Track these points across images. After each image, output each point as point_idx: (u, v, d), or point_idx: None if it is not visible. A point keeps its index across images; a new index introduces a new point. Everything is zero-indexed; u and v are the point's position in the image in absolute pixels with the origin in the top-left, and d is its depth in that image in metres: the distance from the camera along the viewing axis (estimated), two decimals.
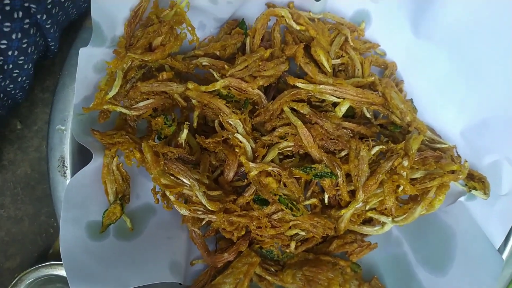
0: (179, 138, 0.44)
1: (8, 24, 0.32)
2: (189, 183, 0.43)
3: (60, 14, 0.37)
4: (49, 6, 0.35)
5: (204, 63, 0.49)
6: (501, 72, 0.47)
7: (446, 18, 0.47)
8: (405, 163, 0.46)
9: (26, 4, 0.32)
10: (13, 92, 0.41)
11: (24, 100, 0.45)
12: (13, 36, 0.34)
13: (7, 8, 0.31)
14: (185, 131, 0.44)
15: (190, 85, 0.46)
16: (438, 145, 0.50)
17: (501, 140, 0.49)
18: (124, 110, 0.44)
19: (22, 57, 0.37)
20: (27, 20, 0.34)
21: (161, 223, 0.50)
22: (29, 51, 0.37)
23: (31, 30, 0.35)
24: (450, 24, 0.47)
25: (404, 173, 0.46)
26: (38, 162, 0.55)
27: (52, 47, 0.40)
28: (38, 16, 0.34)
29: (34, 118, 0.55)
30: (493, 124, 0.49)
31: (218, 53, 0.50)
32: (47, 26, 0.36)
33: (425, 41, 0.50)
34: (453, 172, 0.46)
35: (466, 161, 0.48)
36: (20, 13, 0.33)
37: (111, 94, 0.42)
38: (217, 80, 0.47)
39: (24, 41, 0.35)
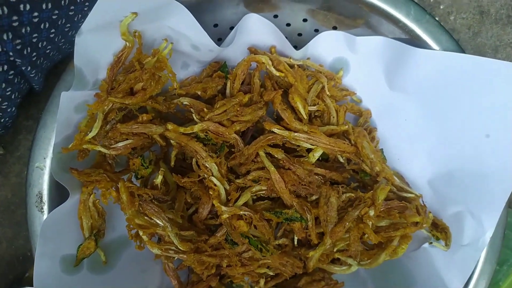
0: (155, 180, 0.46)
1: None
2: (162, 224, 0.45)
3: (45, 62, 0.39)
4: (34, 58, 0.36)
5: (185, 103, 0.51)
6: (468, 129, 0.49)
7: (418, 75, 0.49)
8: (371, 212, 0.48)
9: (12, 58, 0.34)
10: None
11: (6, 132, 0.47)
12: None
13: None
14: (160, 177, 0.45)
15: (170, 126, 0.48)
16: (405, 194, 0.52)
17: (465, 193, 0.51)
18: (102, 149, 0.45)
19: (6, 103, 0.38)
20: (11, 72, 0.35)
21: (135, 256, 0.51)
22: (13, 97, 0.38)
23: (15, 80, 0.37)
24: (421, 80, 0.50)
25: (370, 222, 0.48)
26: (19, 187, 0.56)
27: (37, 89, 0.41)
28: (23, 68, 0.36)
29: (17, 144, 0.56)
30: (458, 177, 0.51)
31: (199, 93, 0.52)
32: (32, 75, 0.37)
33: (398, 93, 0.53)
34: (416, 223, 0.49)
35: (430, 212, 0.50)
36: (5, 67, 0.34)
37: (91, 135, 0.44)
38: (196, 122, 0.49)
39: (8, 89, 0.37)
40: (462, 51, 0.48)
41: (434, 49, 0.48)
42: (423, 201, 0.52)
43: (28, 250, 0.57)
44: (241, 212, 0.47)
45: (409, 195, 0.52)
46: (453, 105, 0.49)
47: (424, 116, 0.52)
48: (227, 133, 0.48)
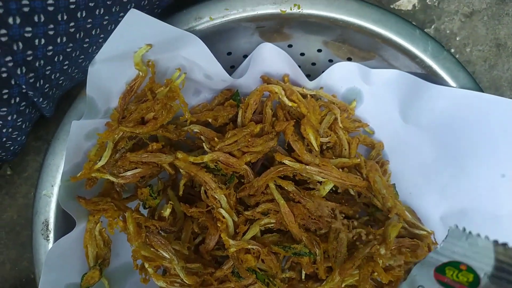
0: (163, 212, 0.45)
1: (4, 109, 0.33)
2: (169, 257, 0.44)
3: (57, 92, 0.38)
4: (46, 90, 0.36)
5: (195, 130, 0.50)
6: (483, 168, 0.48)
7: (433, 111, 0.49)
8: (382, 251, 0.47)
9: (24, 91, 0.33)
10: (4, 157, 0.42)
11: (15, 157, 0.46)
12: (9, 118, 0.35)
13: (5, 96, 0.32)
14: (168, 210, 0.44)
15: (180, 155, 0.47)
16: (417, 231, 0.51)
17: (477, 232, 0.50)
18: (111, 178, 0.45)
19: (16, 133, 0.38)
20: (23, 103, 0.35)
21: (139, 284, 0.50)
22: (24, 126, 0.38)
23: (26, 110, 0.36)
24: (436, 116, 0.49)
25: (381, 261, 0.47)
26: (25, 209, 0.56)
27: (48, 116, 0.41)
28: (35, 99, 0.35)
29: (24, 165, 0.56)
30: (471, 215, 0.50)
31: (210, 120, 0.52)
32: (43, 106, 0.37)
33: (412, 127, 0.52)
34: None
35: None
36: (18, 99, 0.34)
37: (100, 164, 0.43)
38: (205, 151, 0.48)
39: (19, 120, 0.36)
40: (480, 89, 0.47)
41: (450, 86, 0.47)
42: (435, 239, 0.51)
43: (31, 272, 0.56)
44: (249, 246, 0.46)
45: (421, 232, 0.51)
46: (468, 143, 0.49)
47: (438, 151, 0.51)
48: (237, 164, 0.47)
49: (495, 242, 0.31)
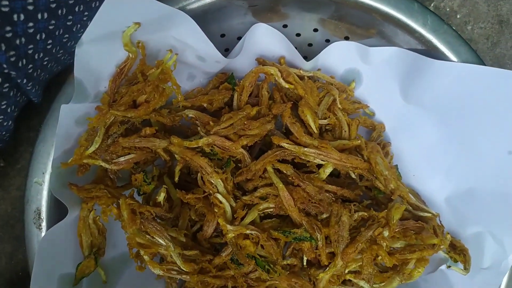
0: (157, 197, 0.44)
1: None
2: (165, 244, 0.43)
3: (43, 74, 0.37)
4: (30, 71, 0.34)
5: (190, 115, 0.49)
6: (490, 145, 0.47)
7: (435, 88, 0.47)
8: (386, 233, 0.45)
9: (6, 71, 0.32)
10: None
11: (5, 145, 0.45)
12: None
13: None
14: (163, 195, 0.43)
15: (174, 140, 0.46)
16: (421, 213, 0.49)
17: (485, 212, 0.48)
18: (104, 164, 0.44)
19: (2, 117, 0.37)
20: (6, 85, 0.34)
21: (136, 275, 0.49)
22: (9, 110, 0.37)
23: (10, 93, 0.35)
24: (439, 94, 0.47)
25: (384, 243, 0.45)
26: (19, 201, 0.55)
27: (35, 101, 0.40)
28: (19, 81, 0.34)
29: (17, 157, 0.54)
30: (479, 195, 0.49)
31: (205, 105, 0.50)
32: (28, 88, 0.36)
33: (414, 107, 0.50)
34: (433, 245, 0.46)
35: (448, 233, 0.48)
36: (0, 79, 0.32)
37: (91, 149, 0.42)
38: (201, 136, 0.47)
39: (3, 103, 0.35)
40: (482, 62, 0.45)
41: (452, 61, 0.46)
42: (440, 221, 0.50)
43: (27, 265, 0.55)
44: (248, 232, 0.45)
45: (426, 214, 0.49)
46: (473, 120, 0.47)
47: (442, 130, 0.49)
48: (233, 147, 0.46)
49: None
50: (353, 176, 0.51)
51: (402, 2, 0.45)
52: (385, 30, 0.47)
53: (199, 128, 0.48)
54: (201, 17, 0.44)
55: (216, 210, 0.45)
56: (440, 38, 0.45)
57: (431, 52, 0.46)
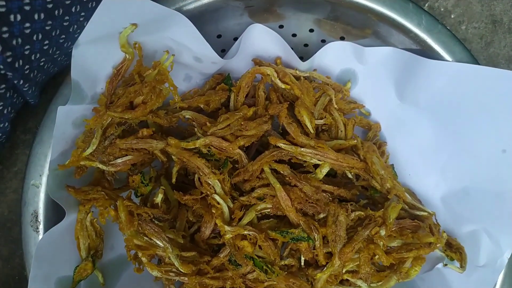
0: (155, 198, 0.44)
1: None
2: (163, 245, 0.43)
3: (39, 75, 0.37)
4: (27, 72, 0.34)
5: (187, 116, 0.49)
6: (484, 144, 0.47)
7: (430, 87, 0.47)
8: (382, 232, 0.45)
9: (2, 72, 0.32)
10: None
11: (1, 148, 0.45)
12: None
13: None
14: (160, 196, 0.43)
15: (171, 141, 0.46)
16: (418, 212, 0.49)
17: (480, 211, 0.48)
18: (101, 166, 0.44)
19: None
20: (3, 86, 0.34)
21: (134, 277, 0.49)
22: (5, 112, 0.37)
23: (7, 94, 0.35)
24: (434, 93, 0.47)
25: (381, 242, 0.45)
26: (15, 204, 0.54)
27: (32, 103, 0.40)
28: (15, 82, 0.34)
29: (14, 159, 0.54)
30: (473, 194, 0.49)
31: (202, 106, 0.50)
32: (25, 89, 0.36)
33: (409, 106, 0.51)
34: (429, 244, 0.46)
35: (444, 231, 0.48)
36: None
37: (88, 151, 0.42)
38: (198, 137, 0.47)
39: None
40: (476, 62, 0.46)
41: (447, 60, 0.46)
42: (436, 219, 0.50)
43: (24, 269, 0.55)
44: (245, 232, 0.45)
45: (422, 213, 0.49)
46: (467, 119, 0.47)
47: (437, 130, 0.50)
48: (230, 148, 0.46)
49: None
50: (350, 175, 0.51)
51: (397, 2, 0.45)
52: (380, 30, 0.47)
53: (196, 129, 0.48)
54: (198, 18, 0.45)
55: (213, 211, 0.45)
56: (435, 38, 0.45)
57: (426, 51, 0.47)
